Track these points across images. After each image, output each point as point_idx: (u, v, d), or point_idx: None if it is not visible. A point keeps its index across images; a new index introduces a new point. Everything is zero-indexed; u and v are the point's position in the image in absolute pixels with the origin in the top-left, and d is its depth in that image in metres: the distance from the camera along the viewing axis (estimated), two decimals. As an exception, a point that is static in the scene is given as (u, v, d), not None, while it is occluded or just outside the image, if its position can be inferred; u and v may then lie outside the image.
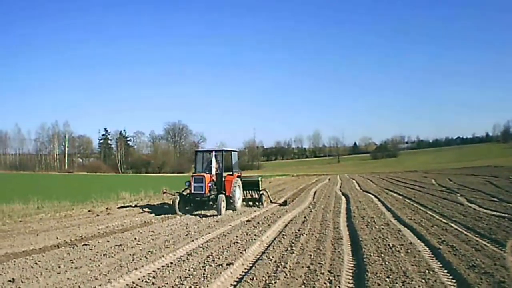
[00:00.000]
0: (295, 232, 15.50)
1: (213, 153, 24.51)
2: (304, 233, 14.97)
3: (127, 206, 26.57)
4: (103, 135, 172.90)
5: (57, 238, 15.63)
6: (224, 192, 23.72)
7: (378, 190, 37.36)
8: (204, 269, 10.33)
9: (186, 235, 15.70)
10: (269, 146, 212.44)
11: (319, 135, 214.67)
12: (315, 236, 14.42)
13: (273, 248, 12.48)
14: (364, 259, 10.77)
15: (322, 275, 9.32)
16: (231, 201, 23.84)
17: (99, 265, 11.21)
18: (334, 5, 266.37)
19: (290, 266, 10.07)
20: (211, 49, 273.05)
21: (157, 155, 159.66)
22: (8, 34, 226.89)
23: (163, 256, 12.15)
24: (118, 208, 25.94)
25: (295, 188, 45.81)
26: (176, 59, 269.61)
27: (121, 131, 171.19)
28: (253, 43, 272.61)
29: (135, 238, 15.32)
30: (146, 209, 25.07)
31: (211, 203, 23.44)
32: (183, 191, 23.96)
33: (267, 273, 9.62)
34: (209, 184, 23.03)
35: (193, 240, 14.47)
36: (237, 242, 13.74)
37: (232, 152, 26.34)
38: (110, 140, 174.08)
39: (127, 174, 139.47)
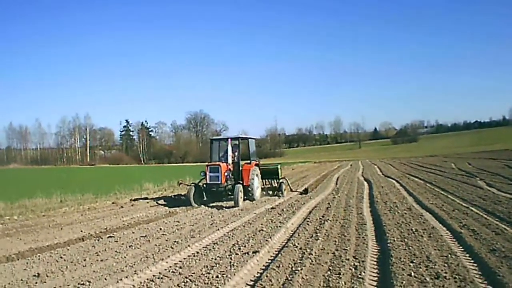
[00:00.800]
0: (320, 218, 15.47)
1: (229, 141, 23.22)
2: (328, 219, 14.93)
3: (143, 198, 26.13)
4: (124, 126, 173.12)
5: (81, 231, 15.61)
6: (241, 182, 22.44)
7: (399, 175, 37.37)
8: (230, 258, 10.29)
9: (211, 224, 15.66)
10: (290, 133, 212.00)
11: (340, 121, 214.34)
12: (339, 222, 14.40)
13: (298, 235, 12.44)
14: (388, 244, 10.76)
15: (347, 261, 9.33)
16: (249, 190, 22.72)
17: (125, 257, 11.16)
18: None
19: (315, 253, 10.05)
20: (231, 38, 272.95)
21: (179, 145, 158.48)
22: (28, 27, 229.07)
23: (189, 246, 12.06)
24: (141, 199, 25.80)
25: (318, 174, 45.82)
26: (196, 48, 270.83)
27: (142, 122, 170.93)
28: (273, 31, 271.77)
29: (160, 229, 15.25)
30: (169, 200, 24.89)
31: (228, 193, 22.20)
32: (199, 182, 22.70)
33: (293, 260, 9.60)
34: (226, 174, 21.79)
35: (218, 229, 14.44)
36: (262, 230, 13.71)
37: (249, 140, 25.09)
38: (132, 131, 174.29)
39: (149, 165, 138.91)
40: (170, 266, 9.99)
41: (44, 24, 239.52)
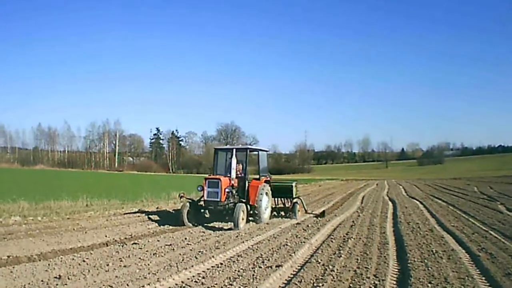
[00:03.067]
0: (343, 236, 15.41)
1: (234, 151, 19.30)
2: (352, 237, 14.87)
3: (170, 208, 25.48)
4: (155, 134, 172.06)
5: (106, 236, 15.45)
6: (246, 200, 19.24)
7: (423, 197, 37.00)
8: (254, 271, 10.17)
9: (237, 236, 15.53)
10: (319, 150, 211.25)
11: (369, 140, 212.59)
12: (362, 241, 14.33)
13: (322, 251, 12.41)
14: (409, 264, 10.69)
15: (368, 279, 9.30)
16: (256, 211, 19.37)
17: (148, 264, 11.00)
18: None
19: (337, 270, 10.04)
20: (267, 53, 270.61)
21: (209, 156, 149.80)
22: (63, 29, 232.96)
23: (213, 256, 11.87)
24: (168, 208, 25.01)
25: (344, 192, 45.52)
26: (230, 60, 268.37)
27: (173, 131, 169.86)
28: (307, 49, 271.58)
29: (186, 238, 15.12)
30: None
31: (229, 212, 18.54)
32: (200, 198, 19.18)
33: (315, 276, 9.57)
34: (227, 190, 18.20)
35: (243, 242, 14.24)
36: (286, 245, 13.61)
37: (260, 152, 21.43)
38: (162, 139, 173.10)
39: (178, 174, 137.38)
40: (193, 276, 9.88)
41: (79, 26, 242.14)
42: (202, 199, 18.91)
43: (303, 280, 9.16)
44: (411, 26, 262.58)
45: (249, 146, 22.04)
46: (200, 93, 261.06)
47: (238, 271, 10.24)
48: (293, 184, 22.63)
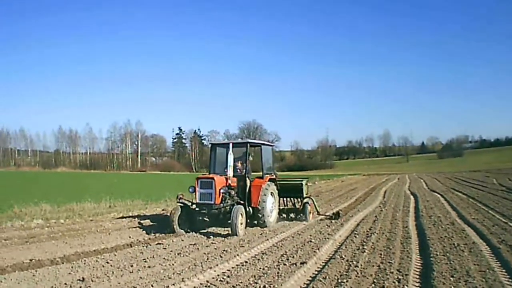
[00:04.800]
0: (367, 231, 15.37)
1: (231, 146, 16.67)
2: (375, 232, 14.83)
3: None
4: (177, 134, 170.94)
5: (129, 237, 15.31)
6: (248, 202, 17.06)
7: (444, 190, 36.78)
8: (278, 268, 10.06)
9: (261, 234, 15.46)
10: (341, 145, 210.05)
11: (389, 134, 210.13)
12: (385, 235, 14.27)
13: (345, 247, 12.37)
14: (431, 258, 10.65)
15: (392, 274, 9.28)
16: (259, 214, 17.00)
17: (173, 264, 10.77)
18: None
19: (361, 265, 10.00)
20: (286, 49, 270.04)
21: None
22: (81, 32, 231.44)
23: (237, 255, 11.71)
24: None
25: (366, 187, 45.33)
26: (252, 58, 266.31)
27: (195, 130, 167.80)
28: (326, 45, 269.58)
29: (210, 237, 14.93)
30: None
31: (227, 216, 15.96)
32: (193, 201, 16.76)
33: (339, 272, 9.53)
34: (222, 191, 15.95)
35: (267, 239, 14.11)
36: (310, 241, 13.54)
37: (263, 147, 18.86)
38: (184, 139, 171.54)
39: (201, 173, 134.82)
40: (218, 275, 9.74)
41: (100, 26, 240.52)
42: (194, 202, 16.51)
43: (327, 277, 9.12)
44: (429, 19, 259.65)
45: (250, 140, 19.25)
46: (222, 91, 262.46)
47: (263, 269, 10.15)
48: (303, 182, 19.89)
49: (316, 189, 42.75)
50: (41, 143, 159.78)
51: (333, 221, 18.40)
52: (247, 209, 16.74)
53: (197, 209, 16.30)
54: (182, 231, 15.98)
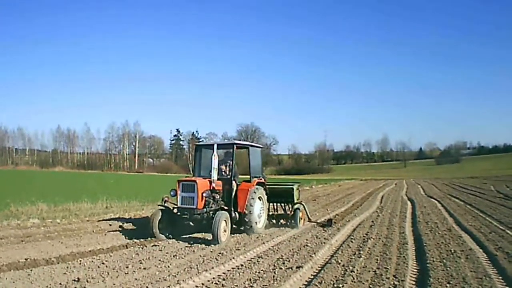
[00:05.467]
0: (363, 236, 15.29)
1: (215, 147, 15.46)
2: (371, 237, 14.75)
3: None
4: (175, 135, 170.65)
5: (125, 238, 15.10)
6: (234, 207, 15.97)
7: (441, 196, 36.79)
8: (274, 272, 10.00)
9: (257, 237, 15.23)
10: (339, 150, 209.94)
11: (387, 140, 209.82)
12: (382, 241, 14.19)
13: (342, 252, 12.29)
14: (428, 264, 10.59)
15: (388, 280, 9.21)
16: (246, 220, 15.88)
17: (168, 266, 10.68)
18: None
19: (357, 270, 9.93)
20: (284, 52, 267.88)
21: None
22: (80, 31, 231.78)
23: (233, 258, 11.57)
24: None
25: (363, 192, 45.19)
26: (248, 60, 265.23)
27: (193, 132, 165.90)
28: (324, 49, 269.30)
29: (206, 240, 14.57)
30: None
31: (210, 222, 14.41)
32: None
33: (335, 276, 9.45)
34: (204, 195, 14.87)
35: (263, 243, 13.98)
36: (307, 245, 13.46)
37: (250, 148, 17.70)
38: (182, 141, 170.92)
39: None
40: (214, 278, 9.65)
41: (99, 26, 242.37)
42: (174, 206, 15.63)
43: (323, 281, 9.06)
44: (427, 26, 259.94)
45: (236, 141, 17.50)
46: (221, 94, 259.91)
47: (259, 272, 10.05)
48: (294, 187, 18.80)
49: (313, 193, 42.74)
50: (39, 142, 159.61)
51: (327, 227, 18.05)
52: (233, 215, 15.69)
53: (178, 213, 15.27)
54: (163, 236, 14.98)
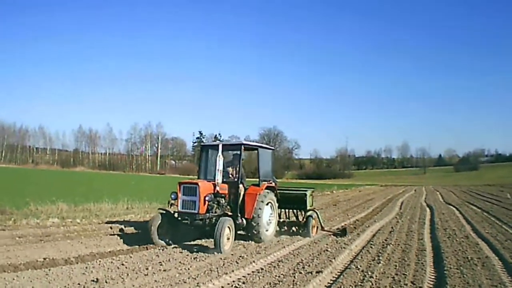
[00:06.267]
0: (383, 242, 15.16)
1: (220, 148, 14.08)
2: (390, 243, 14.60)
3: None
4: (197, 138, 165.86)
5: (146, 239, 13.97)
6: (241, 212, 14.66)
7: (459, 203, 36.52)
8: (294, 276, 9.75)
9: (278, 241, 14.88)
10: (360, 155, 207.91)
11: (408, 146, 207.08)
12: (401, 247, 14.07)
13: (361, 257, 12.17)
14: (445, 271, 10.47)
15: (406, 286, 9.14)
16: (253, 226, 14.48)
17: (188, 268, 10.28)
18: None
19: (376, 276, 9.85)
20: (307, 58, 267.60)
21: (251, 160, 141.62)
22: (101, 32, 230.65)
23: (253, 261, 11.27)
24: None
25: (383, 198, 45.02)
26: (272, 64, 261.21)
27: (216, 135, 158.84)
28: (346, 55, 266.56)
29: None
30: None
31: (212, 228, 12.95)
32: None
33: (354, 282, 9.36)
34: (207, 198, 13.55)
35: (284, 247, 13.63)
36: (327, 250, 13.25)
37: (260, 149, 16.19)
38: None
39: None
40: (233, 281, 9.39)
41: (121, 26, 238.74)
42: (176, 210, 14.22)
43: (342, 286, 9.00)
44: (449, 32, 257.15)
45: (244, 142, 16.02)
46: (245, 97, 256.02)
47: (279, 276, 9.85)
48: (307, 193, 17.16)
49: (334, 198, 42.64)
50: (60, 141, 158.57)
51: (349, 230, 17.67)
52: (239, 221, 14.42)
53: (179, 218, 13.98)
54: (163, 242, 13.72)
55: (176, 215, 14.04)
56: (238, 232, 14.49)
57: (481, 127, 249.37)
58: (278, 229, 16.47)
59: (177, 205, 14.07)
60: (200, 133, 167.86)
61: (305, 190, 17.37)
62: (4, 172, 73.83)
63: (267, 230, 15.13)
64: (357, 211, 27.69)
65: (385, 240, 15.61)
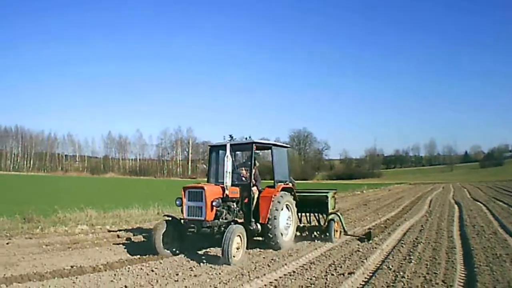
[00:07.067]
0: (413, 240, 14.87)
1: (228, 147, 12.54)
2: (421, 242, 14.36)
3: None
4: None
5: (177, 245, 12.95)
6: (254, 217, 13.09)
7: (486, 199, 36.10)
8: (326, 278, 9.46)
9: (310, 243, 14.23)
10: (388, 154, 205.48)
11: (434, 143, 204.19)
12: (431, 245, 13.81)
13: (393, 257, 11.92)
14: (475, 269, 10.29)
15: (437, 285, 8.98)
16: (269, 231, 12.91)
17: (219, 273, 9.86)
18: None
19: (407, 276, 9.66)
20: (335, 58, 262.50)
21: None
22: (128, 39, 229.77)
23: (285, 264, 10.84)
24: None
25: (412, 196, 44.51)
26: (302, 67, 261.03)
27: (246, 138, 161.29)
28: (373, 54, 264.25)
29: (259, 247, 13.28)
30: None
31: (221, 236, 11.28)
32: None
33: (386, 282, 9.19)
34: (214, 204, 11.96)
35: (316, 248, 13.20)
36: (358, 251, 12.98)
37: (274, 148, 14.58)
38: None
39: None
40: (265, 285, 9.07)
41: (150, 35, 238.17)
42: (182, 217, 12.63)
43: (374, 287, 8.90)
44: (471, 27, 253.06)
45: (256, 140, 14.30)
46: (273, 99, 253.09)
47: (311, 279, 9.54)
48: (329, 195, 15.36)
49: (364, 198, 42.33)
50: (90, 148, 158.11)
51: (378, 231, 17.30)
52: (253, 227, 12.95)
53: (184, 226, 12.43)
54: (168, 251, 12.28)
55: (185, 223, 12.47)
56: (256, 238, 13.48)
57: (505, 122, 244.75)
58: (298, 233, 15.21)
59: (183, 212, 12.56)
60: (231, 136, 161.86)
61: (327, 192, 15.66)
62: (32, 180, 73.75)
63: (284, 236, 13.55)
64: (387, 210, 27.40)
65: (416, 238, 15.34)
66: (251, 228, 12.77)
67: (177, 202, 12.47)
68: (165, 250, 12.20)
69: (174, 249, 12.44)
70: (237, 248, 11.28)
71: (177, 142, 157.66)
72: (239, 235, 11.32)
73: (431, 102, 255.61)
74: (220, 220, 12.09)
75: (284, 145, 16.02)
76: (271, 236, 12.92)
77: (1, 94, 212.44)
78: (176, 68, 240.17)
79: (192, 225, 12.02)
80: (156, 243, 12.06)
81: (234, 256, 10.97)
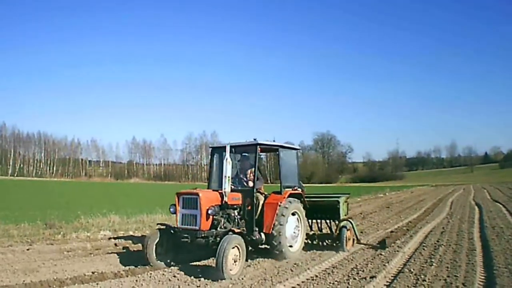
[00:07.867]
0: (434, 243, 14.57)
1: (227, 149, 10.93)
2: (442, 244, 14.06)
3: None
4: None
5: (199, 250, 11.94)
6: (258, 226, 11.62)
7: (505, 200, 35.40)
8: (348, 283, 9.13)
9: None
10: (411, 156, 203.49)
11: (455, 145, 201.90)
12: (452, 248, 13.52)
13: (414, 260, 11.66)
14: (494, 271, 10.04)
15: (457, 288, 8.80)
16: (274, 240, 11.46)
17: (242, 278, 9.46)
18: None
19: (428, 279, 9.46)
20: (358, 62, 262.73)
21: (306, 166, 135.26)
22: (157, 42, 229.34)
23: (308, 268, 10.43)
24: None
25: (434, 198, 43.85)
26: (324, 71, 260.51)
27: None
28: (395, 58, 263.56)
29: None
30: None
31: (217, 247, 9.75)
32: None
33: (407, 286, 8.99)
34: (210, 212, 10.56)
35: (338, 252, 12.79)
36: (381, 254, 12.63)
37: (280, 150, 13.01)
38: None
39: (275, 185, 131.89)
40: None
41: (173, 40, 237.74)
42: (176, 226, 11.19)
43: (396, 291, 8.63)
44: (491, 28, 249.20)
45: (260, 141, 12.50)
46: (298, 103, 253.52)
47: (333, 283, 9.27)
48: (340, 200, 13.69)
49: (387, 200, 41.84)
50: (114, 154, 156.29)
51: (401, 233, 17.07)
52: (257, 236, 11.55)
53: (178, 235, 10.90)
54: (162, 263, 10.91)
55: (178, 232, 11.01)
56: (261, 246, 12.08)
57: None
58: (309, 242, 13.71)
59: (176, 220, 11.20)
60: (254, 140, 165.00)
61: (338, 197, 13.98)
62: (55, 186, 73.36)
63: (291, 246, 12.13)
64: (410, 213, 26.97)
65: (437, 241, 15.05)
66: (254, 238, 11.45)
67: (171, 209, 11.19)
68: (158, 262, 10.87)
69: (168, 260, 11.12)
70: (234, 261, 9.85)
71: (202, 147, 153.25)
72: (236, 246, 9.87)
73: (452, 104, 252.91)
74: (218, 229, 10.74)
75: (293, 147, 14.13)
76: (276, 245, 11.51)
77: (24, 100, 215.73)
78: (201, 73, 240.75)
79: (186, 235, 10.56)
80: (148, 254, 10.73)
81: (230, 270, 9.61)
